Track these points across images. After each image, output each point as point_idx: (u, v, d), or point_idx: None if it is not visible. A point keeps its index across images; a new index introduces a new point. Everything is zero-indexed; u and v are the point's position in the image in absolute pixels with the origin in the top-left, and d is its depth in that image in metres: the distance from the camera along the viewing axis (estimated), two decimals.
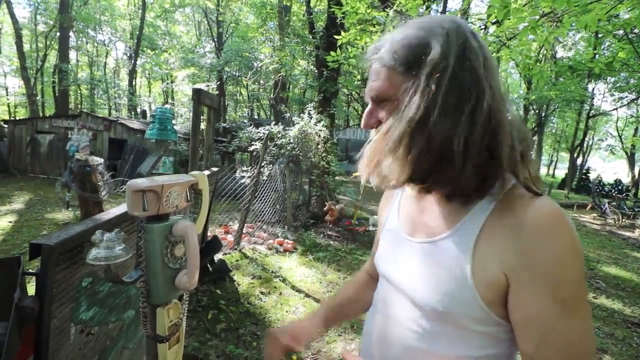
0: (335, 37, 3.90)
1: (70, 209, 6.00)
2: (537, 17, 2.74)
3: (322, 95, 6.67)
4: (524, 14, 2.37)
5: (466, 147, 0.51)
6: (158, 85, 25.85)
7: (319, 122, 5.85)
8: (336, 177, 6.85)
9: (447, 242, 0.57)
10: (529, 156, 0.57)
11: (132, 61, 20.43)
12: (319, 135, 5.80)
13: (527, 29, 2.38)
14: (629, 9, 2.65)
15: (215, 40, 19.10)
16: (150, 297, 0.93)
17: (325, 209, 5.91)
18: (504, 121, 0.54)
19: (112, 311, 1.37)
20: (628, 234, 8.41)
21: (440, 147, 0.52)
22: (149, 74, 25.36)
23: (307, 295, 3.27)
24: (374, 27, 3.61)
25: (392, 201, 0.77)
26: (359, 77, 16.62)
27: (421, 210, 0.65)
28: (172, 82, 20.74)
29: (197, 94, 3.18)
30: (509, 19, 2.57)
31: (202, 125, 4.69)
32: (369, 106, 0.63)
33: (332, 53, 4.13)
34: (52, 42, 18.75)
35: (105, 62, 24.43)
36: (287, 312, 2.92)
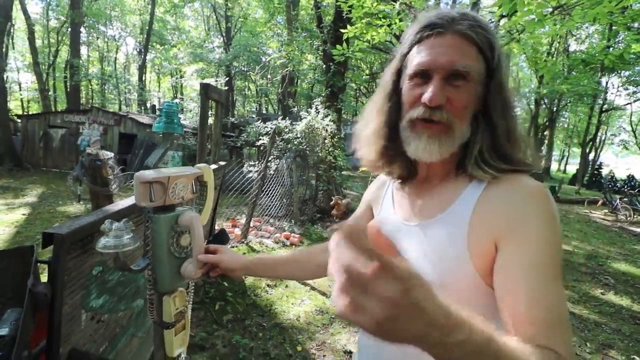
0: (342, 30, 3.88)
1: (81, 202, 6.13)
2: (547, 9, 2.68)
3: (329, 89, 6.65)
4: (531, 6, 2.33)
5: (508, 140, 0.61)
6: (167, 80, 26.05)
7: (326, 116, 5.84)
8: (343, 172, 6.86)
9: (443, 222, 0.60)
10: (519, 139, 0.61)
11: (142, 56, 20.60)
12: (326, 130, 5.80)
13: (534, 22, 2.34)
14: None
15: (224, 35, 19.13)
16: (157, 285, 0.96)
17: (331, 203, 5.93)
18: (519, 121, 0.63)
19: (121, 300, 1.41)
20: (639, 230, 8.24)
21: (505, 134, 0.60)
22: (158, 69, 25.56)
23: (313, 288, 3.31)
24: (380, 20, 3.58)
25: (384, 192, 0.79)
26: (367, 71, 16.48)
27: (417, 197, 0.69)
28: (181, 77, 20.87)
29: (205, 89, 3.21)
30: (517, 13, 2.53)
31: (210, 120, 4.73)
32: (438, 81, 0.57)
33: (338, 47, 4.12)
34: (64, 38, 19.01)
35: (115, 58, 24.70)
36: (292, 304, 2.96)
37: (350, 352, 2.34)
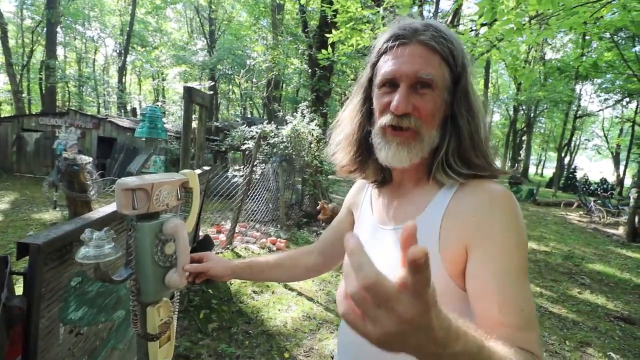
0: (326, 35, 3.91)
1: (57, 209, 5.89)
2: (524, 19, 2.79)
3: (315, 94, 6.67)
4: (510, 15, 2.42)
5: (472, 146, 0.62)
6: (149, 83, 25.50)
7: (312, 121, 5.85)
8: (329, 176, 6.87)
9: (417, 225, 0.61)
10: (484, 144, 0.64)
11: (122, 58, 20.11)
12: (312, 135, 5.81)
13: (513, 30, 2.44)
14: (613, 12, 2.73)
15: (207, 37, 18.92)
16: (141, 296, 0.93)
17: (318, 207, 5.91)
18: (486, 126, 0.64)
19: (101, 311, 1.36)
20: (612, 231, 8.60)
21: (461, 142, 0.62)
22: (139, 71, 24.99)
23: (300, 294, 3.28)
24: (365, 25, 3.63)
25: (363, 197, 0.82)
26: (352, 76, 16.65)
27: (392, 201, 0.71)
28: (163, 79, 20.49)
29: (189, 92, 3.16)
30: (496, 22, 2.62)
31: (194, 124, 4.65)
32: (405, 90, 0.59)
33: (323, 51, 4.14)
34: (39, 38, 18.32)
35: (94, 59, 24.00)
36: (279, 310, 2.93)
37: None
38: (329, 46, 4.13)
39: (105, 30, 22.41)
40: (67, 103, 21.44)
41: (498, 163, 0.65)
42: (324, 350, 2.42)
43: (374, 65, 0.67)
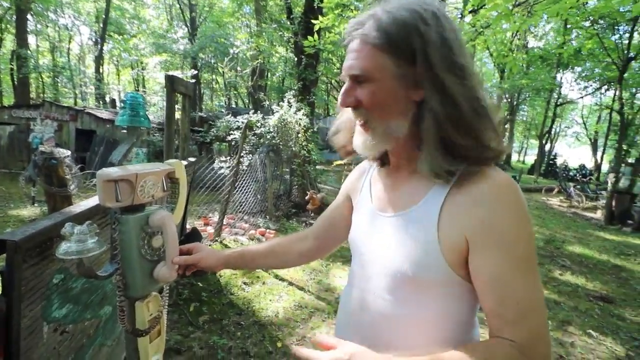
0: (313, 21, 3.83)
1: (36, 205, 5.68)
2: (511, 5, 2.79)
3: (301, 83, 6.58)
4: (497, 1, 2.42)
5: (456, 128, 0.57)
6: (127, 73, 24.63)
7: (299, 110, 5.78)
8: (317, 166, 6.85)
9: (416, 213, 0.62)
10: (476, 124, 0.59)
11: (99, 47, 19.30)
12: (299, 124, 5.74)
13: (501, 16, 2.44)
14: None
15: (188, 25, 18.33)
16: (128, 291, 0.90)
17: (307, 197, 5.90)
18: (483, 99, 0.59)
19: (87, 308, 1.31)
20: (591, 214, 8.95)
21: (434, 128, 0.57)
22: (117, 61, 24.09)
23: (291, 284, 3.28)
24: (352, 12, 3.56)
25: (362, 182, 0.82)
26: (337, 65, 16.49)
27: (391, 188, 0.71)
28: (142, 69, 19.81)
29: (171, 81, 3.05)
30: (484, 7, 2.62)
31: (177, 114, 4.51)
32: (347, 84, 0.62)
33: (309, 38, 4.06)
34: (8, 26, 17.36)
35: (68, 48, 22.94)
36: (270, 300, 2.93)
37: None
38: (316, 33, 4.04)
39: (80, 18, 21.41)
40: (42, 95, 20.52)
41: (496, 142, 0.59)
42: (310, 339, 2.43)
43: None
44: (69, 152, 4.35)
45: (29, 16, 15.81)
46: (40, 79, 20.52)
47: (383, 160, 0.73)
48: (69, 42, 22.85)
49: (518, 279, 0.54)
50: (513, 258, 0.54)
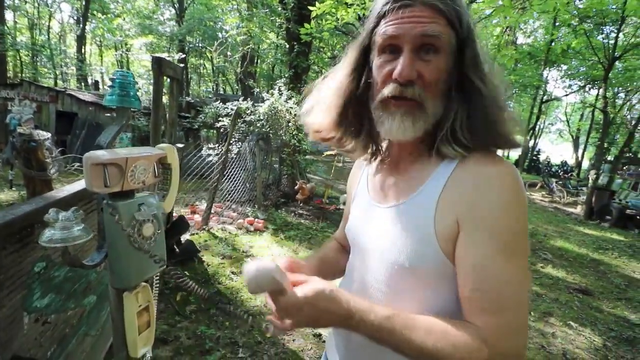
0: (310, 7, 3.73)
1: (14, 189, 5.46)
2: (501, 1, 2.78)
3: (293, 70, 6.46)
4: None
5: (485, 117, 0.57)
6: (111, 54, 23.72)
7: (290, 98, 5.69)
8: (307, 156, 6.80)
9: (413, 203, 0.60)
10: (500, 113, 0.59)
11: (81, 26, 18.46)
12: (290, 113, 5.66)
13: (501, 9, 2.43)
14: None
15: (176, 6, 17.69)
16: (116, 281, 0.85)
17: (296, 187, 5.87)
18: (503, 94, 0.60)
19: (70, 297, 1.26)
20: (571, 209, 9.25)
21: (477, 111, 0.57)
22: (100, 41, 23.12)
23: None
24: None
25: (360, 176, 0.79)
26: (329, 53, 16.27)
27: (388, 178, 0.69)
28: (127, 50, 19.09)
29: (159, 63, 2.92)
30: (476, 2, 2.60)
31: (165, 99, 4.36)
32: (410, 54, 0.55)
33: (305, 25, 3.96)
34: None
35: (49, 26, 21.86)
36: None
37: (319, 335, 2.36)
38: (312, 20, 3.95)
39: None
40: (20, 74, 19.57)
41: (518, 136, 0.60)
42: (306, 329, 2.44)
43: (371, 30, 0.61)
44: (49, 135, 4.17)
45: None
46: (18, 58, 19.53)
47: (374, 153, 0.72)
48: (49, 19, 21.74)
49: (500, 268, 0.51)
50: (499, 246, 0.51)
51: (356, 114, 0.67)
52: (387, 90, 0.58)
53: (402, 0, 0.55)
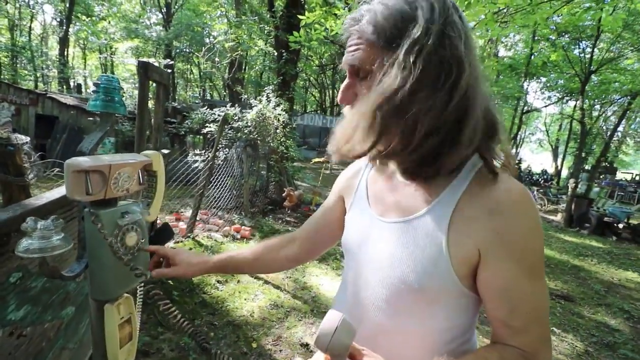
0: (299, 17, 3.76)
1: None
2: (495, 10, 2.87)
3: (281, 78, 6.48)
4: (481, 7, 2.49)
5: (434, 123, 0.52)
6: (95, 57, 23.25)
7: (278, 105, 5.69)
8: (295, 163, 6.79)
9: (422, 221, 0.58)
10: (496, 138, 0.59)
11: (64, 28, 18.06)
12: (278, 120, 5.65)
13: (484, 22, 2.52)
14: (572, 13, 2.92)
15: (163, 11, 17.56)
16: (97, 293, 0.82)
17: (284, 194, 5.84)
18: (476, 102, 0.54)
19: (47, 309, 1.20)
20: (552, 217, 9.50)
21: (410, 120, 0.51)
22: (84, 44, 22.66)
23: (266, 282, 3.22)
24: (339, 10, 3.53)
25: (357, 182, 0.76)
26: (317, 62, 16.41)
27: (391, 190, 0.66)
28: (112, 54, 18.78)
29: (144, 68, 2.87)
30: (467, 12, 2.68)
31: (150, 104, 4.29)
32: (347, 80, 0.60)
33: (295, 33, 3.99)
34: None
35: (30, 27, 21.30)
36: (245, 299, 2.85)
37: (307, 345, 2.33)
38: (301, 29, 3.98)
39: None
40: None
41: (499, 150, 0.58)
42: (293, 338, 2.40)
43: None
44: (27, 139, 4.03)
45: None
46: None
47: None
48: (31, 21, 21.20)
49: (528, 289, 0.54)
50: (525, 269, 0.54)
51: None
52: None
53: (345, 32, 0.59)
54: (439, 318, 0.59)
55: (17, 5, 19.72)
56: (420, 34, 0.50)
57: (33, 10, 20.82)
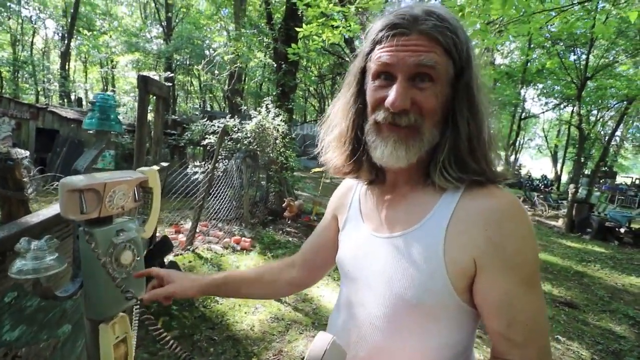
0: (297, 29, 3.81)
1: None
2: (487, 21, 2.92)
3: (280, 89, 6.54)
4: (474, 18, 2.53)
5: (472, 146, 0.57)
6: (96, 71, 23.50)
7: (277, 116, 5.72)
8: (295, 173, 6.79)
9: (417, 235, 0.58)
10: (491, 149, 0.60)
11: (66, 42, 18.30)
12: (278, 130, 5.68)
13: (478, 32, 2.55)
14: (565, 21, 2.96)
15: (164, 25, 17.81)
16: (92, 312, 0.81)
17: (284, 205, 5.82)
18: (490, 123, 0.60)
19: (43, 328, 1.19)
20: (553, 222, 9.46)
21: (464, 141, 0.57)
22: (85, 58, 22.93)
23: None
24: (336, 21, 3.58)
25: (350, 199, 0.75)
26: (316, 72, 16.57)
27: (386, 205, 0.65)
28: (113, 67, 18.97)
29: (144, 81, 2.91)
30: (463, 22, 2.73)
31: (150, 116, 4.32)
32: (403, 83, 0.54)
33: (293, 45, 4.04)
34: None
35: (32, 42, 21.59)
36: (245, 313, 2.82)
37: None
38: (299, 40, 4.03)
39: (46, 11, 20.25)
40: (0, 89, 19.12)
41: (499, 168, 0.60)
42: (294, 352, 2.36)
43: (367, 54, 0.60)
44: (27, 153, 4.04)
45: None
46: None
47: (375, 178, 0.68)
48: (33, 35, 21.51)
49: (526, 300, 0.53)
50: (521, 279, 0.53)
51: (360, 141, 0.64)
52: (380, 117, 0.57)
53: (399, 28, 0.54)
54: (438, 335, 0.57)
55: (20, 20, 20.04)
56: (473, 58, 0.57)
57: (35, 25, 21.14)
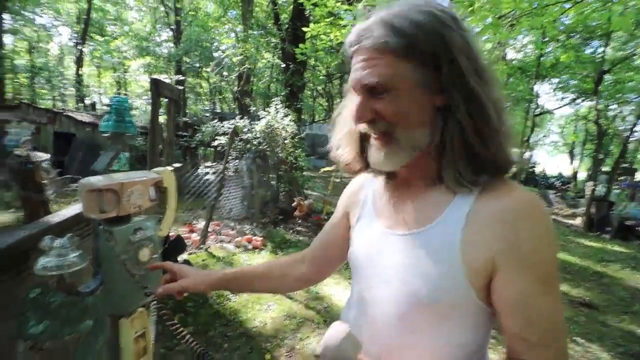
0: (304, 29, 3.82)
1: (12, 210, 5.42)
2: (498, 15, 2.87)
3: (289, 89, 6.57)
4: (486, 13, 2.49)
5: (481, 136, 0.55)
6: (109, 75, 24.03)
7: (286, 116, 5.75)
8: (304, 172, 6.81)
9: (433, 233, 0.57)
10: (506, 145, 0.58)
11: (79, 48, 18.77)
12: (287, 130, 5.70)
13: (489, 26, 2.51)
14: (580, 12, 2.88)
15: (174, 29, 18.09)
16: (112, 308, 0.84)
17: (294, 204, 5.84)
18: (502, 105, 0.57)
19: (66, 323, 1.23)
20: (571, 221, 9.22)
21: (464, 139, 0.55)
22: (98, 63, 23.47)
23: None
24: (344, 20, 3.58)
25: (364, 196, 0.75)
26: (323, 71, 16.57)
27: (400, 202, 0.65)
28: (125, 71, 19.39)
29: (156, 85, 2.97)
30: (472, 18, 2.69)
31: (162, 119, 4.40)
32: (361, 98, 0.57)
33: (301, 45, 4.06)
34: None
35: (47, 48, 22.23)
36: (258, 310, 2.85)
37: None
38: (307, 40, 4.05)
39: (60, 18, 20.81)
40: (18, 96, 19.73)
41: (512, 152, 0.59)
42: (306, 350, 2.38)
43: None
44: (47, 156, 4.17)
45: (5, 15, 15.25)
46: (16, 80, 19.74)
47: (389, 173, 0.67)
48: (48, 42, 22.14)
49: (543, 300, 0.52)
50: (539, 279, 0.52)
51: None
52: (360, 128, 0.61)
53: (353, 46, 0.57)
54: (452, 334, 0.57)
55: (35, 28, 20.63)
56: (458, 48, 0.55)
57: (50, 32, 21.74)
